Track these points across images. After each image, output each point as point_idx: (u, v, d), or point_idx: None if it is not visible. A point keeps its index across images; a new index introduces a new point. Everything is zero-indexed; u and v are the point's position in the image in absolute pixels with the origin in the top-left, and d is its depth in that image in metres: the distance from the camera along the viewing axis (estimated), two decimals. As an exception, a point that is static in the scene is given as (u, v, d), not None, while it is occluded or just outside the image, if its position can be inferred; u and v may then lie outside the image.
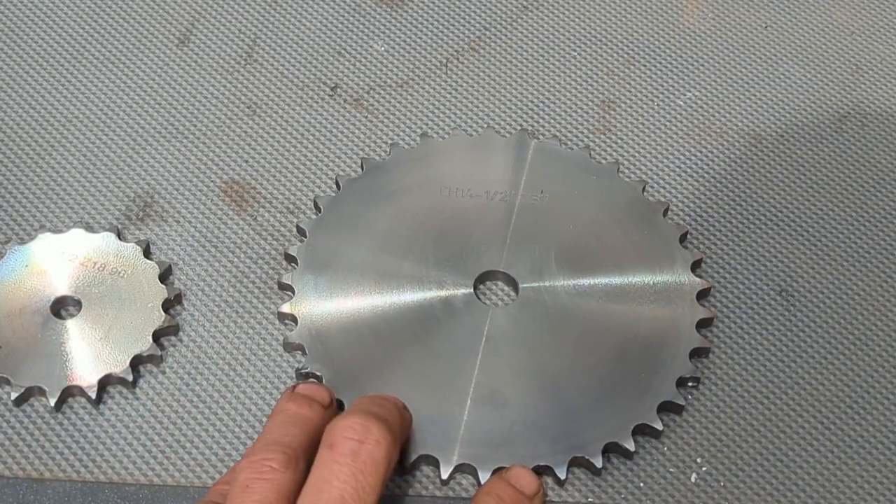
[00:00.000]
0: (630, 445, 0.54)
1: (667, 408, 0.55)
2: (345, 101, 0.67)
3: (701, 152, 0.65)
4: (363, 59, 0.69)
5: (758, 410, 0.56)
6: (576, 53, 0.70)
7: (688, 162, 0.65)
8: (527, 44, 0.70)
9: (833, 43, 0.70)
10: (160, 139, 0.65)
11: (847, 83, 0.69)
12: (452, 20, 0.71)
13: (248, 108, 0.67)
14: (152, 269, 0.59)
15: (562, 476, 0.53)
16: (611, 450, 0.54)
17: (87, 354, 0.56)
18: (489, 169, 0.62)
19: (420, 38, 0.70)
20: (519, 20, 0.71)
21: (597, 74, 0.69)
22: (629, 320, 0.57)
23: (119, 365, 0.56)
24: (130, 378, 0.56)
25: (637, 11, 0.72)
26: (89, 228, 0.60)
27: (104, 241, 0.60)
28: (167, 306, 0.58)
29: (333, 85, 0.68)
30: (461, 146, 0.63)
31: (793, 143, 0.66)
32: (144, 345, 0.56)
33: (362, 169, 0.62)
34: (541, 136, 0.65)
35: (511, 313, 0.57)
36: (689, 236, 0.61)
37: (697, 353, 0.57)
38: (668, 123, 0.66)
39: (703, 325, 0.58)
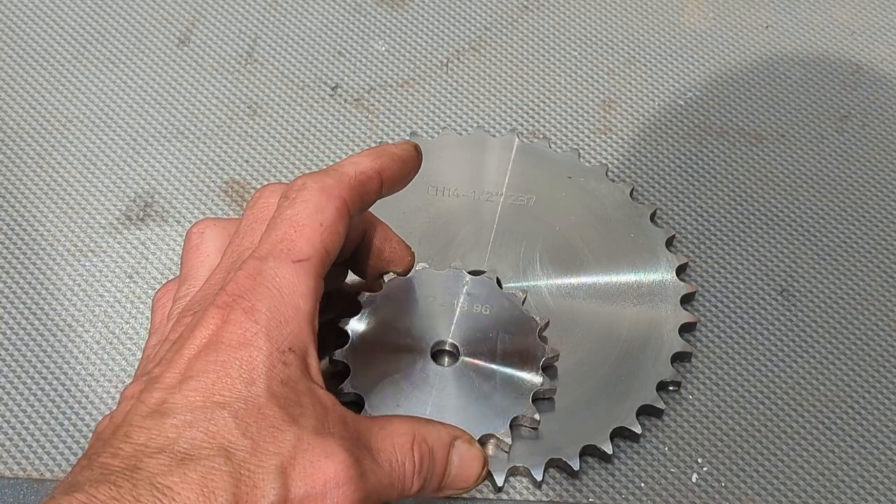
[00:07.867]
0: (608, 448, 0.53)
1: (647, 411, 0.55)
2: (345, 101, 0.67)
3: (701, 152, 0.65)
4: (363, 59, 0.69)
5: (758, 410, 0.56)
6: (576, 53, 0.70)
7: (688, 162, 0.65)
8: (527, 44, 0.70)
9: (833, 43, 0.70)
10: (160, 139, 0.65)
11: (847, 83, 0.69)
12: (452, 20, 0.71)
13: (248, 108, 0.67)
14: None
15: (538, 477, 0.52)
16: (588, 452, 0.54)
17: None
18: (477, 169, 0.62)
19: (420, 38, 0.70)
20: (519, 20, 0.71)
21: (597, 74, 0.69)
22: (611, 322, 0.57)
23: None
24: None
25: (637, 11, 0.72)
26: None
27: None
28: (167, 306, 0.58)
29: (333, 85, 0.68)
30: (450, 146, 0.63)
31: (793, 143, 0.66)
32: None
33: None
34: (528, 137, 0.65)
35: None
36: (680, 240, 0.61)
37: (679, 358, 0.57)
38: (668, 123, 0.66)
39: (687, 329, 0.57)
